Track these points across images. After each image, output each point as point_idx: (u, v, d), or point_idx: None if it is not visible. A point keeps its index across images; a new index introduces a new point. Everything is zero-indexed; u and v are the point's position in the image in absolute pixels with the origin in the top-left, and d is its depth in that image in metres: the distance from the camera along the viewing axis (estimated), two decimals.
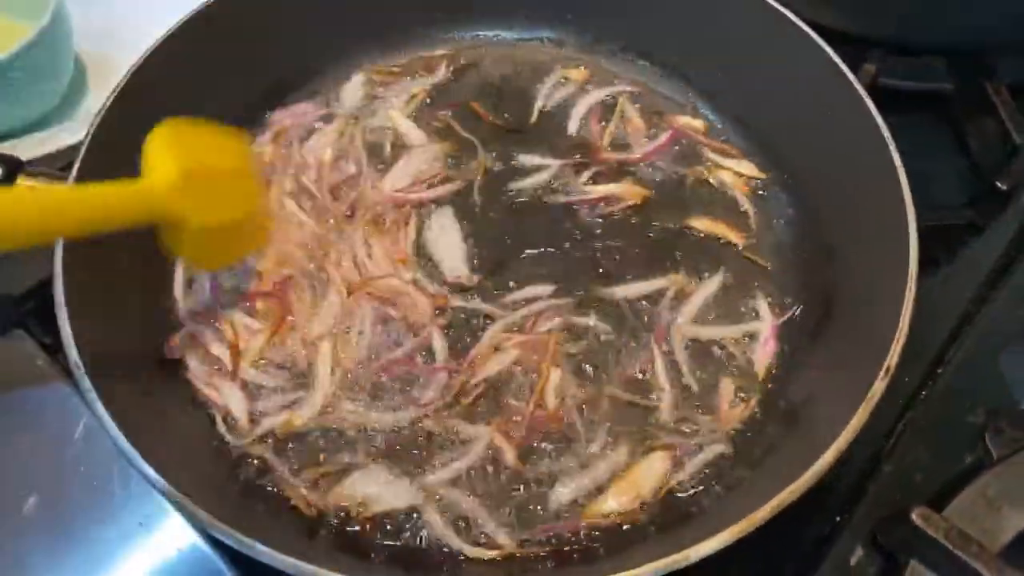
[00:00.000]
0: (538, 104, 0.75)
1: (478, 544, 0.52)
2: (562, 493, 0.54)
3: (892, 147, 0.56)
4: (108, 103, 0.58)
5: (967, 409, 0.62)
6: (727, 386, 0.60)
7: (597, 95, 0.75)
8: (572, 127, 0.73)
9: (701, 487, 0.55)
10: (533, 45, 0.79)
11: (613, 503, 0.54)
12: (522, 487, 0.55)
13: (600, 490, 0.55)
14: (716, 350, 0.62)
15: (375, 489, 0.54)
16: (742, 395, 0.60)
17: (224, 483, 0.54)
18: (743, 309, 0.64)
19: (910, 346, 0.63)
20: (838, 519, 0.58)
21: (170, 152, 0.50)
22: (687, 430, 0.58)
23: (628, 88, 0.76)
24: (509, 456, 0.55)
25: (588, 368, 0.60)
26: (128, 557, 0.55)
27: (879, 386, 0.47)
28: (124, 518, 0.56)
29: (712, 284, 0.64)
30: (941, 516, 0.51)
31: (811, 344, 0.60)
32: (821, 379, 0.57)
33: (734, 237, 0.67)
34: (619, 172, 0.70)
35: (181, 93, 0.61)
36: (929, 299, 0.69)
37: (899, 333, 0.48)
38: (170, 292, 0.63)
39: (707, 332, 0.62)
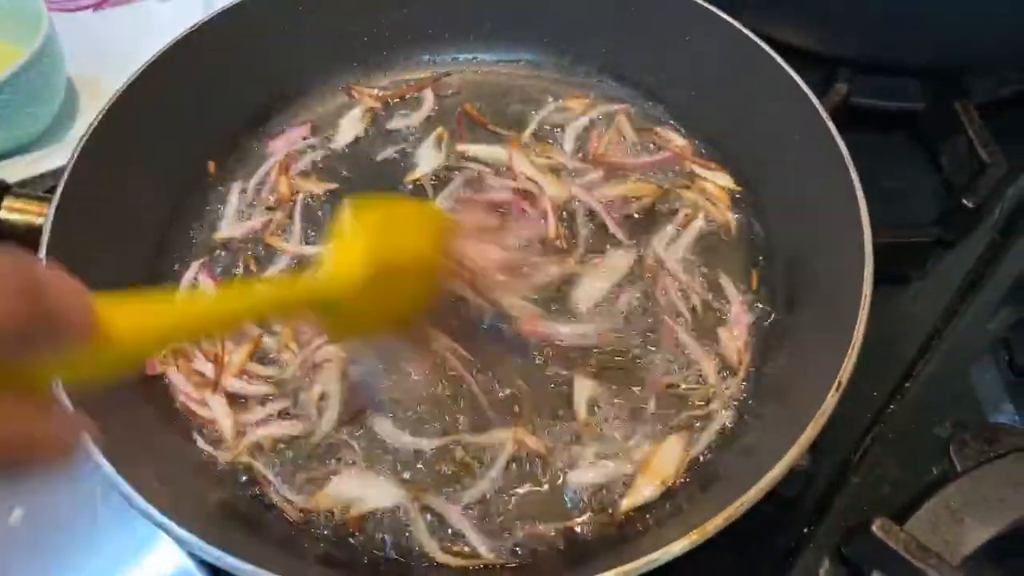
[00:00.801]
0: (531, 127, 0.76)
1: (453, 552, 0.53)
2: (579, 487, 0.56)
3: (855, 177, 0.57)
4: (92, 128, 0.59)
5: (934, 422, 0.64)
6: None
7: (592, 114, 0.77)
8: (568, 145, 0.75)
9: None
10: (511, 67, 0.81)
11: (645, 492, 0.55)
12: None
13: (627, 484, 0.56)
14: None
15: (359, 490, 0.55)
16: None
17: (208, 498, 0.55)
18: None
19: (879, 359, 0.65)
20: (806, 530, 0.59)
21: (361, 244, 0.45)
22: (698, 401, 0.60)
23: (621, 107, 0.78)
24: (532, 443, 0.56)
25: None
26: (114, 571, 0.56)
27: (831, 400, 0.48)
28: (110, 532, 0.57)
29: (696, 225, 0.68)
30: (901, 528, 0.53)
31: (774, 354, 0.61)
32: (782, 389, 0.58)
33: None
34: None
35: (166, 117, 0.63)
36: (900, 313, 0.71)
37: (851, 350, 0.49)
38: None
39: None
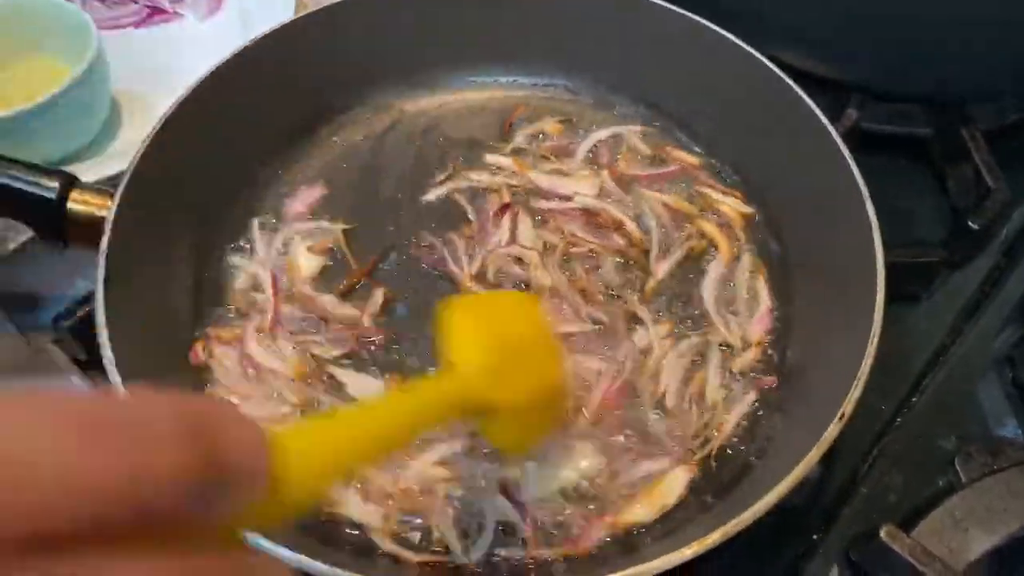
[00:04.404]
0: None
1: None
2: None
3: (868, 201, 0.61)
4: (154, 131, 0.63)
5: (940, 435, 0.66)
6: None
7: (604, 132, 0.80)
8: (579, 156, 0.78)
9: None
10: (549, 91, 0.84)
11: (642, 512, 0.57)
12: None
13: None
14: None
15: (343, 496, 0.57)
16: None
17: None
18: None
19: (888, 374, 0.67)
20: (815, 537, 0.62)
21: (476, 331, 0.45)
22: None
23: (636, 128, 0.81)
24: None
25: None
26: None
27: (833, 431, 0.50)
28: None
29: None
30: (907, 534, 0.55)
31: (779, 382, 0.64)
32: (786, 419, 0.61)
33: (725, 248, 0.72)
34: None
35: (220, 124, 0.68)
36: (908, 330, 0.73)
37: (856, 383, 0.51)
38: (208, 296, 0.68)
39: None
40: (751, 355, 0.65)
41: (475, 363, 0.43)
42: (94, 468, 0.17)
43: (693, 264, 0.71)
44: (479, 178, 0.76)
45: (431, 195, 0.75)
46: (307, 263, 0.69)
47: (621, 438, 0.60)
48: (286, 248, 0.70)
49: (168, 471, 0.18)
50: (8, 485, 0.16)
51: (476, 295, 0.54)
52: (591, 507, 0.57)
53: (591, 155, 0.78)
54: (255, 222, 0.72)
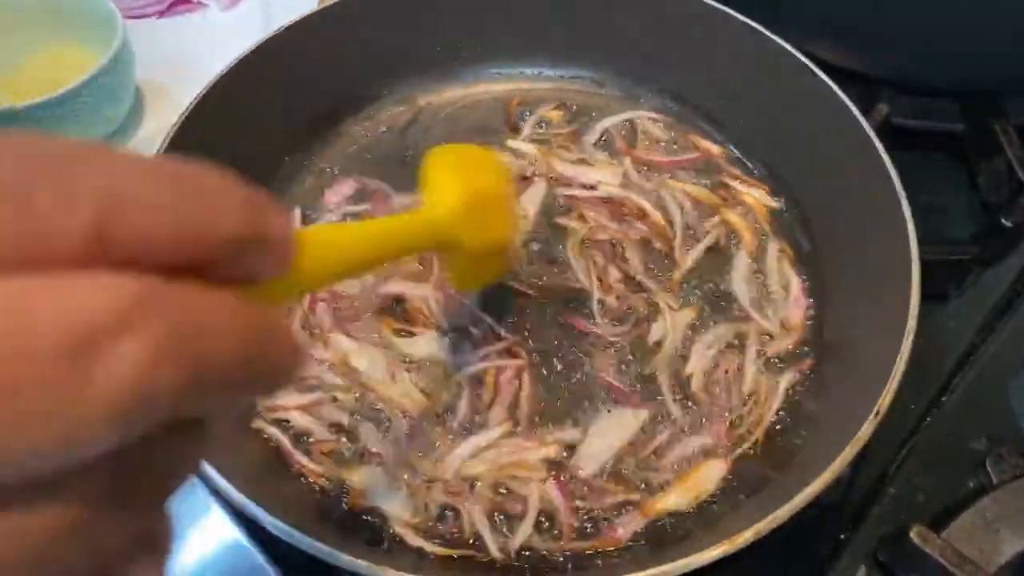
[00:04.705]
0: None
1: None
2: None
3: (903, 198, 0.60)
4: (181, 119, 0.64)
5: (971, 436, 0.65)
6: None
7: (617, 117, 0.80)
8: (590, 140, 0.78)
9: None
10: (575, 83, 0.83)
11: (677, 500, 0.57)
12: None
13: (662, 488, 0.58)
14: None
15: (375, 488, 0.57)
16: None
17: (252, 462, 0.58)
18: None
19: (917, 374, 0.66)
20: (842, 537, 0.61)
21: (452, 179, 0.51)
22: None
23: (649, 114, 0.80)
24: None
25: None
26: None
27: (867, 429, 0.49)
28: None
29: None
30: (938, 535, 0.54)
31: (811, 379, 0.63)
32: (817, 416, 0.60)
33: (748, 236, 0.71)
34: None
35: (244, 114, 0.68)
36: (938, 328, 0.72)
37: (892, 379, 0.51)
38: None
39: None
40: (790, 341, 0.65)
41: (448, 207, 0.50)
42: (192, 217, 0.24)
43: (720, 256, 0.70)
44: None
45: None
46: None
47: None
48: None
49: (232, 228, 0.25)
50: (142, 220, 0.22)
51: (453, 147, 0.57)
52: (631, 495, 0.57)
53: (603, 140, 0.78)
54: (296, 211, 0.72)
